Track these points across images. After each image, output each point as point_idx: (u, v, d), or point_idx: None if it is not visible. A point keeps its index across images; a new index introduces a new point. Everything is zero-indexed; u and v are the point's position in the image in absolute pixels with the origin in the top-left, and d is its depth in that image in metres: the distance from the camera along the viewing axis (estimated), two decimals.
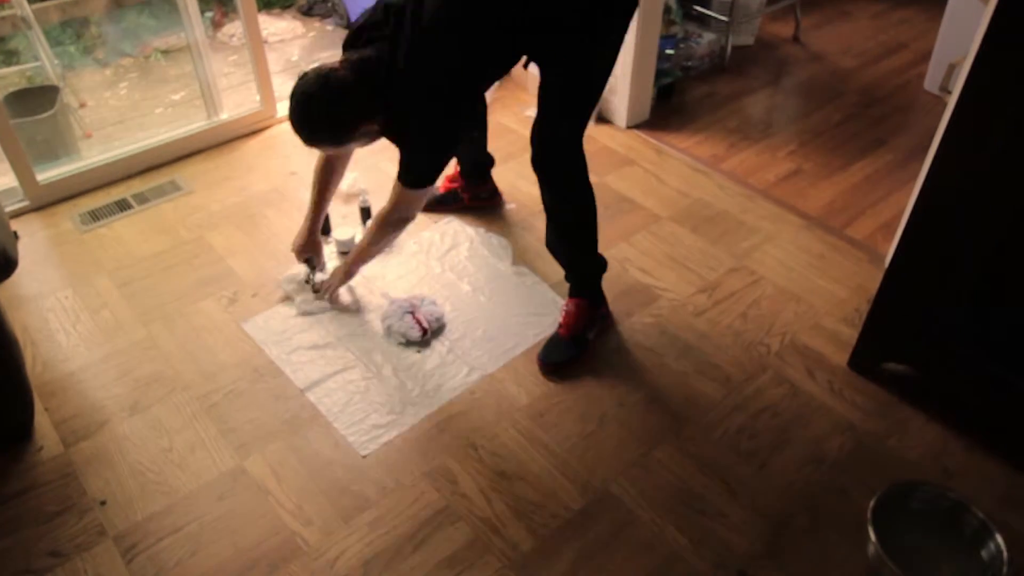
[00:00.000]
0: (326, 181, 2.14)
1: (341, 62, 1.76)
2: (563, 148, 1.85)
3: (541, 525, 1.67)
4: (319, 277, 2.20)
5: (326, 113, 1.72)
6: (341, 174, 2.17)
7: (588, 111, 1.83)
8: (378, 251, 2.06)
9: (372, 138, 1.82)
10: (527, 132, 1.87)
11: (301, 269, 2.24)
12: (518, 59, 1.82)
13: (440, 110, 1.72)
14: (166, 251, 2.39)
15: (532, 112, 1.86)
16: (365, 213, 2.45)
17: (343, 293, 2.20)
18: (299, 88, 1.74)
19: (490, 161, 2.47)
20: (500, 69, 1.89)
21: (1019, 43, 1.42)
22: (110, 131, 3.14)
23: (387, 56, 1.71)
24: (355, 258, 2.09)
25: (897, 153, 2.85)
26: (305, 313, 2.15)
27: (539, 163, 1.87)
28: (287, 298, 2.20)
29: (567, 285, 2.12)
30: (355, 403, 1.92)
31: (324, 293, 2.15)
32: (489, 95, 3.01)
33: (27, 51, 3.26)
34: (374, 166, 2.74)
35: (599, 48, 1.74)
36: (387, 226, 1.97)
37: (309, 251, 2.19)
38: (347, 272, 2.12)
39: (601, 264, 2.06)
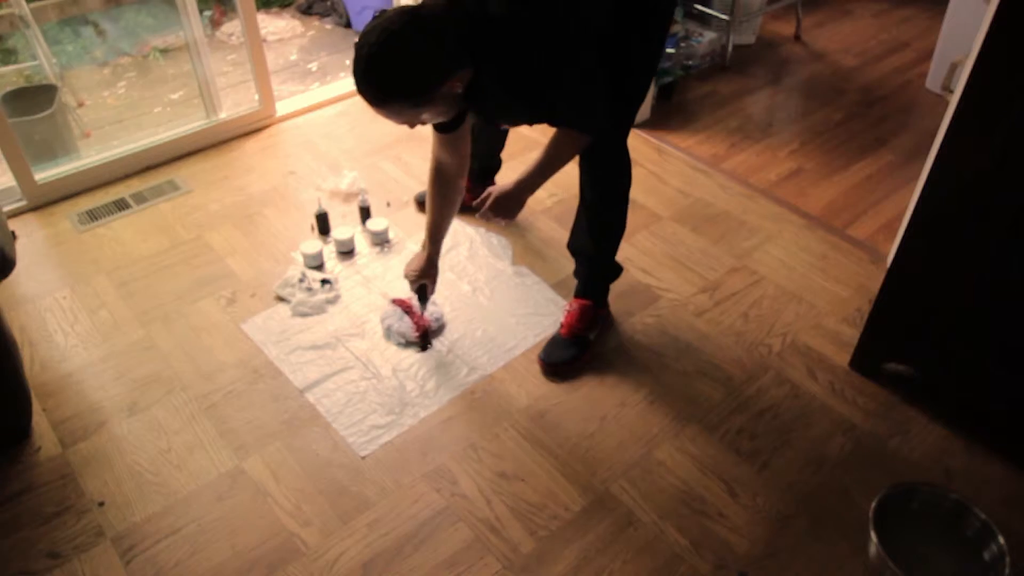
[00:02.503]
0: (442, 195, 1.89)
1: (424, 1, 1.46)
2: (614, 146, 1.84)
3: (541, 526, 1.66)
4: (430, 309, 2.07)
5: (413, 56, 1.40)
6: (460, 189, 1.92)
7: (635, 108, 1.83)
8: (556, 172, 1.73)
9: (449, 106, 1.55)
10: (529, 133, 1.87)
11: (295, 272, 2.24)
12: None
13: (566, 48, 1.51)
14: (164, 251, 2.38)
15: None
16: (364, 212, 2.44)
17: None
18: (377, 26, 1.41)
19: (499, 165, 2.46)
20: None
21: (1021, 42, 1.41)
22: (108, 130, 3.13)
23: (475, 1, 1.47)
24: (535, 184, 1.72)
25: (898, 153, 2.85)
26: (301, 315, 2.14)
27: (589, 159, 1.85)
28: (284, 299, 2.19)
29: (567, 285, 2.12)
30: (354, 404, 1.91)
31: (499, 221, 1.79)
32: None
33: (25, 50, 3.25)
34: (374, 166, 2.73)
35: (650, 45, 1.74)
36: (571, 153, 1.70)
37: (424, 278, 1.99)
38: (525, 198, 1.76)
39: (617, 270, 2.06)
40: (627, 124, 1.85)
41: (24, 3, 2.89)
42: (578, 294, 2.06)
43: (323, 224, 2.41)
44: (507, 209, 1.76)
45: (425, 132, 2.85)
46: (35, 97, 2.76)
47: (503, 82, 1.56)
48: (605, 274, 2.06)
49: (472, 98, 1.57)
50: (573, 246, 2.06)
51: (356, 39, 1.49)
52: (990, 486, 1.74)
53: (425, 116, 1.55)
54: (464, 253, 2.36)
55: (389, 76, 1.43)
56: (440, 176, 1.89)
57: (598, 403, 1.92)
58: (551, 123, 1.68)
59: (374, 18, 1.44)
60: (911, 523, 1.62)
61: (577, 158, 1.86)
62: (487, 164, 2.43)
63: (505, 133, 2.36)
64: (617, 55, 1.70)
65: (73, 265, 2.33)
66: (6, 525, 1.67)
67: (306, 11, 4.08)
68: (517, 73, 1.53)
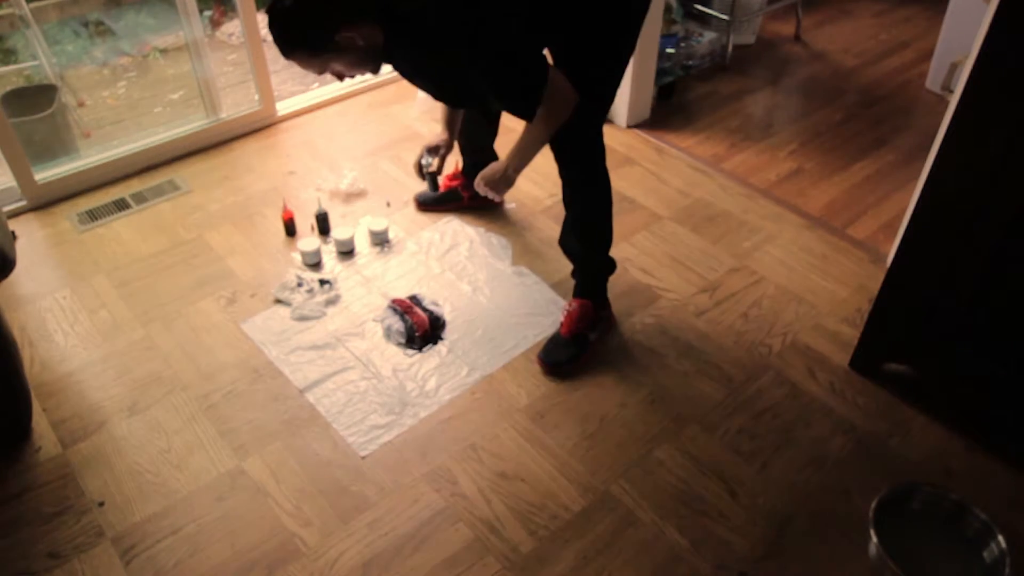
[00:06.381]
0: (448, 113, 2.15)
1: None
2: (576, 140, 1.82)
3: (541, 526, 1.66)
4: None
5: (305, 9, 1.54)
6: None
7: (601, 104, 1.82)
8: (541, 147, 1.78)
9: (358, 59, 1.63)
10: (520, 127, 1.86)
11: (292, 276, 2.24)
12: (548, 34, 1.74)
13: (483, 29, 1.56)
14: (164, 251, 2.38)
15: None
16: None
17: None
18: None
19: (492, 159, 2.45)
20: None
21: (1021, 42, 1.41)
22: (108, 130, 3.13)
23: None
24: (521, 162, 1.79)
25: (898, 153, 2.85)
26: (301, 318, 2.14)
27: (556, 154, 1.86)
28: (283, 302, 2.19)
29: (567, 285, 2.11)
30: (354, 403, 1.91)
31: (490, 195, 1.87)
32: None
33: (25, 50, 3.25)
34: (374, 166, 2.73)
35: (611, 38, 1.73)
36: (544, 131, 1.72)
37: (439, 145, 2.19)
38: (515, 177, 1.84)
39: (610, 265, 2.06)
40: (595, 122, 1.83)
41: (24, 3, 2.89)
42: (577, 294, 2.06)
43: (323, 224, 2.41)
44: (494, 185, 1.84)
45: (424, 131, 2.86)
46: (35, 97, 2.76)
47: (412, 65, 1.72)
48: (598, 271, 2.06)
49: (389, 56, 1.68)
50: (562, 245, 2.07)
51: None
52: (990, 486, 1.74)
53: (336, 67, 1.65)
54: (464, 253, 2.36)
55: (287, 27, 1.57)
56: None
57: (598, 403, 1.92)
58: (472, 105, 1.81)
59: None
60: (911, 523, 1.62)
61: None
62: (480, 158, 2.43)
63: (496, 126, 2.35)
64: (580, 54, 1.71)
65: (73, 265, 2.33)
66: (6, 525, 1.67)
67: None
68: (423, 62, 1.68)
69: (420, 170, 2.24)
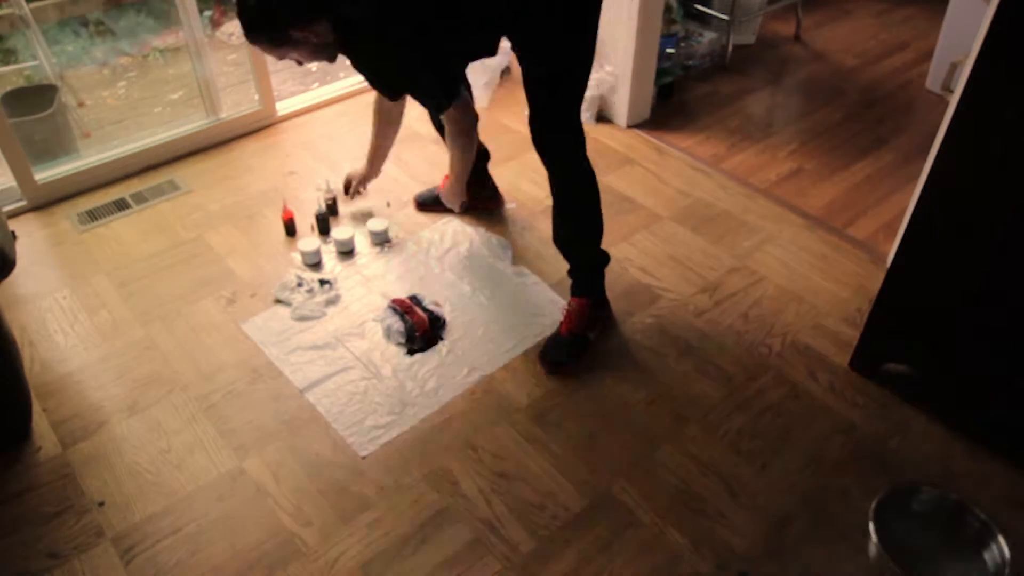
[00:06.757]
0: (381, 121, 2.32)
1: None
2: (554, 133, 1.86)
3: (541, 526, 1.66)
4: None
5: (265, 6, 1.72)
6: (397, 118, 2.33)
7: (571, 96, 1.84)
8: (469, 162, 2.11)
9: (312, 52, 1.80)
10: (528, 131, 1.88)
11: (292, 276, 2.24)
12: (492, 40, 1.90)
13: (396, 35, 1.74)
14: (164, 251, 2.38)
15: None
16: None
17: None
18: None
19: (486, 156, 2.45)
20: (473, 45, 1.91)
21: (1021, 42, 1.41)
22: (108, 130, 3.13)
23: None
24: (458, 178, 2.18)
25: (898, 152, 2.85)
26: (301, 318, 2.14)
27: (537, 149, 1.89)
28: (284, 303, 2.19)
29: (567, 285, 2.12)
30: (354, 404, 1.91)
31: (449, 204, 2.38)
32: (481, 94, 3.00)
33: (25, 50, 3.25)
34: None
35: (570, 32, 1.75)
36: (455, 141, 2.02)
37: (355, 182, 2.48)
38: (461, 190, 2.26)
39: (604, 258, 2.06)
40: (572, 110, 1.85)
41: (24, 3, 2.89)
42: (575, 292, 2.06)
43: (323, 224, 2.41)
44: (447, 198, 2.34)
45: (423, 132, 2.86)
46: (35, 97, 2.77)
47: (356, 59, 1.90)
48: (591, 264, 2.06)
49: (341, 50, 1.85)
50: (555, 239, 2.08)
51: None
52: (990, 486, 1.74)
53: (294, 56, 1.81)
54: (464, 253, 2.36)
55: (250, 21, 1.74)
56: (380, 106, 2.28)
57: (598, 403, 1.92)
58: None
59: None
60: (912, 523, 1.62)
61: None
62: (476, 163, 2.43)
63: (483, 149, 2.39)
64: (541, 45, 1.78)
65: (73, 265, 2.33)
66: (6, 525, 1.67)
67: None
68: (364, 58, 1.87)
69: (346, 190, 2.51)
